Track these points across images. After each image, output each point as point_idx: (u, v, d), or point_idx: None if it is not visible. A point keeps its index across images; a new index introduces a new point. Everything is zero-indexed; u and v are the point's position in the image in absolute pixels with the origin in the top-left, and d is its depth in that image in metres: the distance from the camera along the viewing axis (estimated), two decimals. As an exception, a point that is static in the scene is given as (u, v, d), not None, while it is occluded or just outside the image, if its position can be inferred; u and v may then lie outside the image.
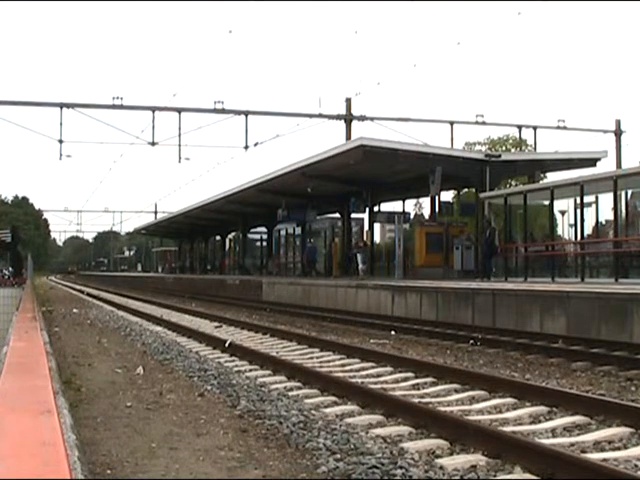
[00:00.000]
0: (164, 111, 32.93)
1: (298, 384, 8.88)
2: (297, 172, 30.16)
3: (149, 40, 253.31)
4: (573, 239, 23.14)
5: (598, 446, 5.90)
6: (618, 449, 5.80)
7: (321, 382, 8.64)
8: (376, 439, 5.96)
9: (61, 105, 32.05)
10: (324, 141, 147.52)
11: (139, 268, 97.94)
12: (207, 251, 66.38)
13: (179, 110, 32.84)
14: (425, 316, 17.59)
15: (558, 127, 37.04)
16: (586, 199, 21.09)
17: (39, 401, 4.08)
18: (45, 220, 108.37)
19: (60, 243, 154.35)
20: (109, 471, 5.05)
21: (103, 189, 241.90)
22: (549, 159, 29.48)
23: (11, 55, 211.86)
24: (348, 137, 32.85)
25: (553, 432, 6.42)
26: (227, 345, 12.31)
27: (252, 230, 50.89)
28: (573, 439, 6.10)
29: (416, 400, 7.81)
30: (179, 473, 5.06)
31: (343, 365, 10.70)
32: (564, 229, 24.97)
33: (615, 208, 20.41)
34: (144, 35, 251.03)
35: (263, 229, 49.14)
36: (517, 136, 42.83)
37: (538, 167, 29.19)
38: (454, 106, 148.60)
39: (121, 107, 32.09)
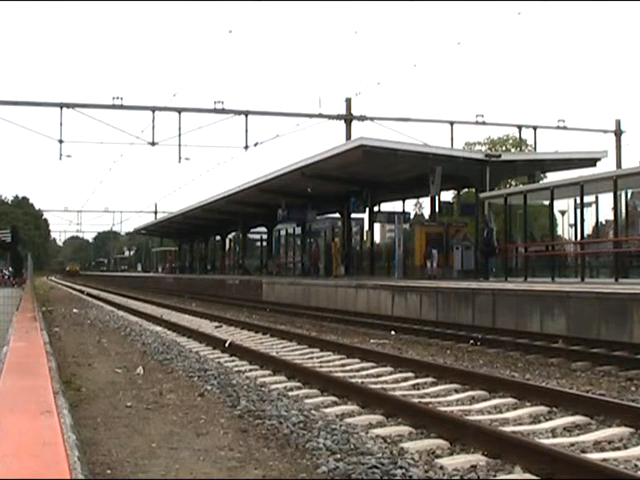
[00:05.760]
0: (164, 111, 32.94)
1: (298, 384, 8.87)
2: (297, 172, 30.17)
3: (149, 40, 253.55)
4: (573, 239, 23.15)
5: (598, 446, 5.89)
6: (618, 449, 5.79)
7: (321, 382, 8.64)
8: (376, 439, 5.96)
9: (61, 105, 32.05)
10: (324, 141, 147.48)
11: (139, 268, 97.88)
12: (207, 251, 66.40)
13: (179, 110, 32.84)
14: (425, 316, 17.58)
15: (558, 127, 37.06)
16: (586, 199, 21.09)
17: (39, 401, 4.08)
18: (45, 220, 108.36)
19: (60, 243, 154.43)
20: (109, 471, 5.04)
21: (103, 189, 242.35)
22: (549, 159, 29.50)
23: (11, 55, 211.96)
24: (348, 137, 32.86)
25: (553, 432, 6.42)
26: (227, 345, 12.31)
27: (252, 230, 50.91)
28: (573, 439, 6.10)
29: (416, 400, 7.80)
30: (179, 473, 5.05)
31: (343, 365, 10.69)
32: (564, 229, 25.01)
33: (615, 208, 20.41)
34: (144, 35, 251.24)
35: (263, 229, 49.15)
36: (517, 136, 42.86)
37: (538, 167, 29.21)
38: (454, 106, 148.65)
39: (121, 107, 32.09)
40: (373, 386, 8.60)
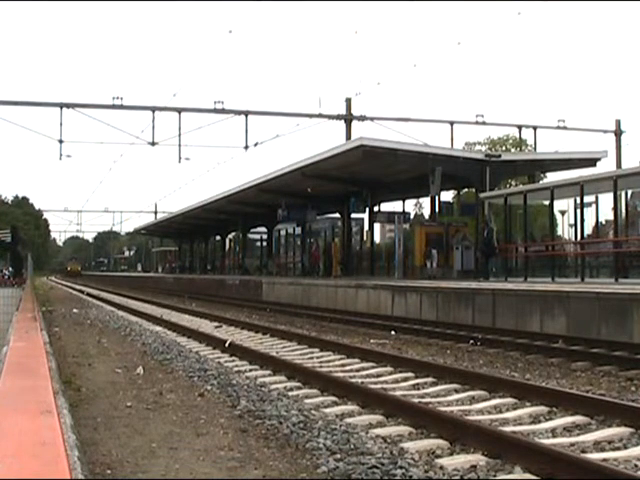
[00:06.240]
0: (164, 111, 32.92)
1: (298, 384, 8.87)
2: (297, 172, 30.17)
3: (149, 40, 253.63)
4: (573, 239, 23.15)
5: (598, 446, 5.89)
6: (618, 449, 5.79)
7: (321, 382, 8.64)
8: (376, 439, 5.95)
9: (61, 105, 32.04)
10: (324, 141, 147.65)
11: (139, 268, 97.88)
12: (207, 251, 66.40)
13: (179, 110, 32.83)
14: (425, 316, 17.58)
15: (558, 127, 37.04)
16: (586, 199, 21.09)
17: (39, 401, 4.08)
18: (45, 220, 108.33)
19: (60, 243, 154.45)
20: (109, 471, 5.04)
21: (103, 189, 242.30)
22: (549, 159, 29.50)
23: (11, 55, 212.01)
24: (348, 137, 32.84)
25: (553, 432, 6.41)
26: (227, 345, 12.31)
27: (252, 230, 50.89)
28: (573, 439, 6.10)
29: (416, 400, 7.80)
30: (179, 473, 5.05)
31: (343, 365, 10.69)
32: (564, 229, 25.00)
33: (615, 208, 20.42)
34: (144, 35, 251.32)
35: (263, 229, 49.15)
36: (517, 136, 42.86)
37: (538, 167, 29.22)
38: (454, 106, 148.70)
39: (121, 107, 32.09)
40: (373, 386, 8.60)
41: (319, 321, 18.93)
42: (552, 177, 29.72)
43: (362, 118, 34.31)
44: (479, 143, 53.06)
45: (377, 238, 54.84)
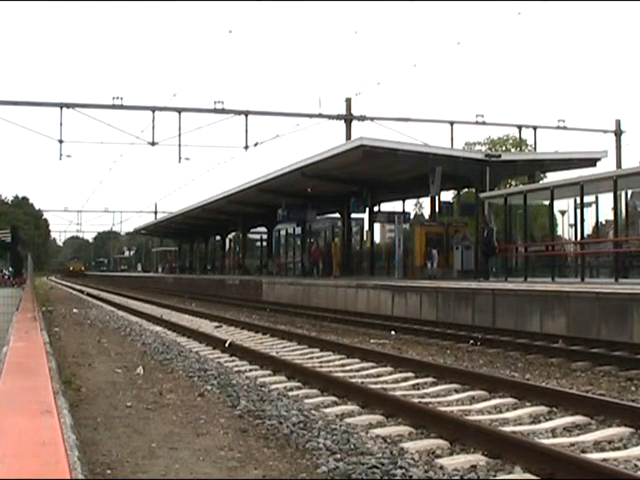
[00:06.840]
0: (164, 111, 32.91)
1: (298, 384, 8.87)
2: (297, 172, 30.16)
3: (149, 40, 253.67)
4: (573, 239, 23.14)
5: (598, 446, 5.89)
6: (618, 449, 5.79)
7: (321, 382, 8.64)
8: (376, 439, 5.96)
9: (61, 105, 32.04)
10: (324, 141, 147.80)
11: (139, 268, 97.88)
12: (207, 251, 66.39)
13: (179, 110, 32.82)
14: (425, 316, 17.58)
15: (558, 127, 37.03)
16: (586, 199, 21.07)
17: (39, 401, 4.08)
18: (45, 220, 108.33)
19: (60, 243, 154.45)
20: (109, 471, 5.04)
21: (103, 189, 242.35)
22: (549, 159, 29.50)
23: (11, 55, 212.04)
24: (348, 137, 32.84)
25: (553, 432, 6.41)
26: (227, 345, 12.31)
27: (252, 230, 50.89)
28: (573, 439, 6.10)
29: (416, 400, 7.80)
30: (179, 473, 5.05)
31: (343, 365, 10.69)
32: (564, 229, 24.99)
33: (615, 208, 20.41)
34: (144, 35, 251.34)
35: (263, 229, 49.14)
36: (517, 136, 42.86)
37: (538, 167, 29.22)
38: (454, 106, 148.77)
39: (121, 107, 32.08)
40: (373, 386, 8.60)
41: (319, 321, 18.93)
42: (552, 177, 29.73)
43: (362, 118, 34.30)
44: (479, 143, 53.11)
45: (377, 238, 54.82)
